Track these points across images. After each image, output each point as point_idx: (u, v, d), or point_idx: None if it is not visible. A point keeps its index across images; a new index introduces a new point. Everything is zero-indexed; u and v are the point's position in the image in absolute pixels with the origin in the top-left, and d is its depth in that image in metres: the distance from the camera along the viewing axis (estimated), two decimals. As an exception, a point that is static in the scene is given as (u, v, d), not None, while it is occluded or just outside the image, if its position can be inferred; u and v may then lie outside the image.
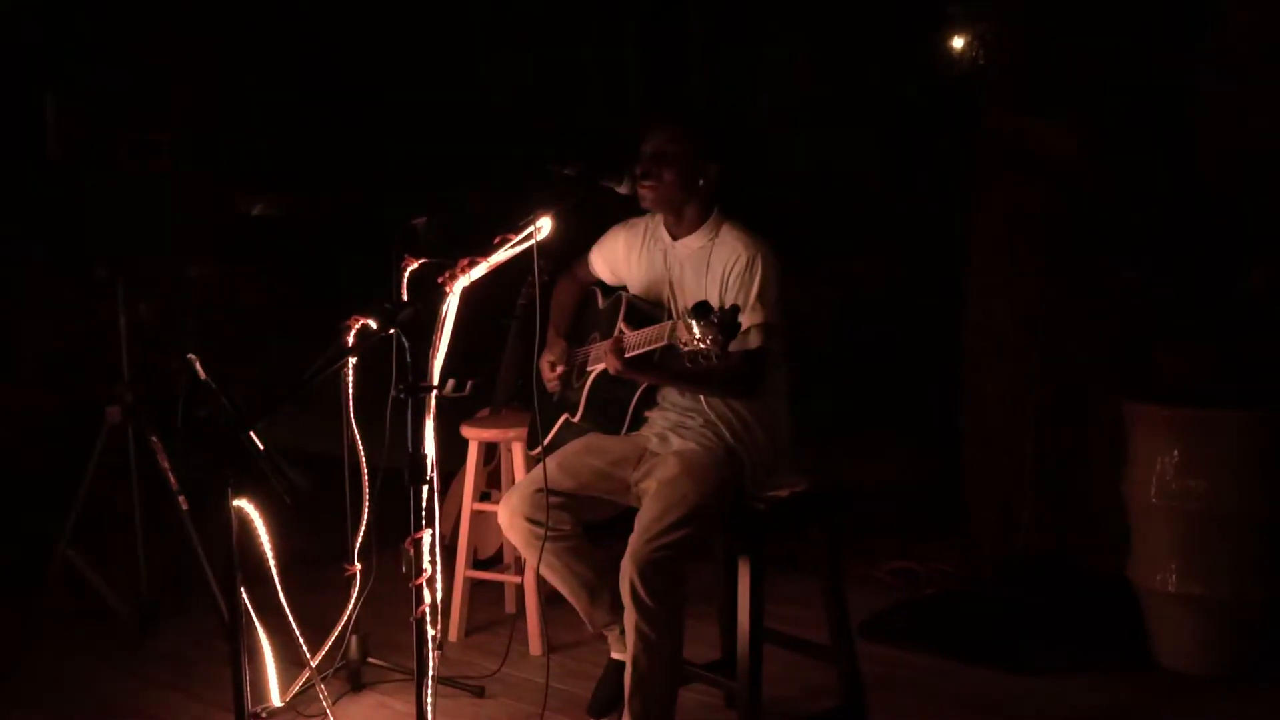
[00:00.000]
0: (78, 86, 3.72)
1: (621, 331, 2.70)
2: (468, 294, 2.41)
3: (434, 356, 2.35)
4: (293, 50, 6.62)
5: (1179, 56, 3.53)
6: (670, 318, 2.76)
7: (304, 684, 3.11)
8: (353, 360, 2.81)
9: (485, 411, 3.73)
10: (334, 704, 3.01)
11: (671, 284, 2.82)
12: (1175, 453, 3.19)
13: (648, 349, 2.59)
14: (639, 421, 2.86)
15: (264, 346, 4.99)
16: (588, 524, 2.82)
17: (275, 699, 3.05)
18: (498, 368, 3.74)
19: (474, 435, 3.55)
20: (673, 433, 2.80)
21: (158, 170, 3.51)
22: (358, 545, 3.06)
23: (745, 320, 2.54)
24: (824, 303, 6.72)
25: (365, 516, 3.05)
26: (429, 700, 2.28)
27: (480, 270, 2.42)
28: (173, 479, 3.33)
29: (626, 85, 7.57)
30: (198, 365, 2.77)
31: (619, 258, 2.95)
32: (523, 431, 3.38)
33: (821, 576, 2.79)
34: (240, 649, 2.33)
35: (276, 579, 2.81)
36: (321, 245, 6.20)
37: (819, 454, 3.22)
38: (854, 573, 3.93)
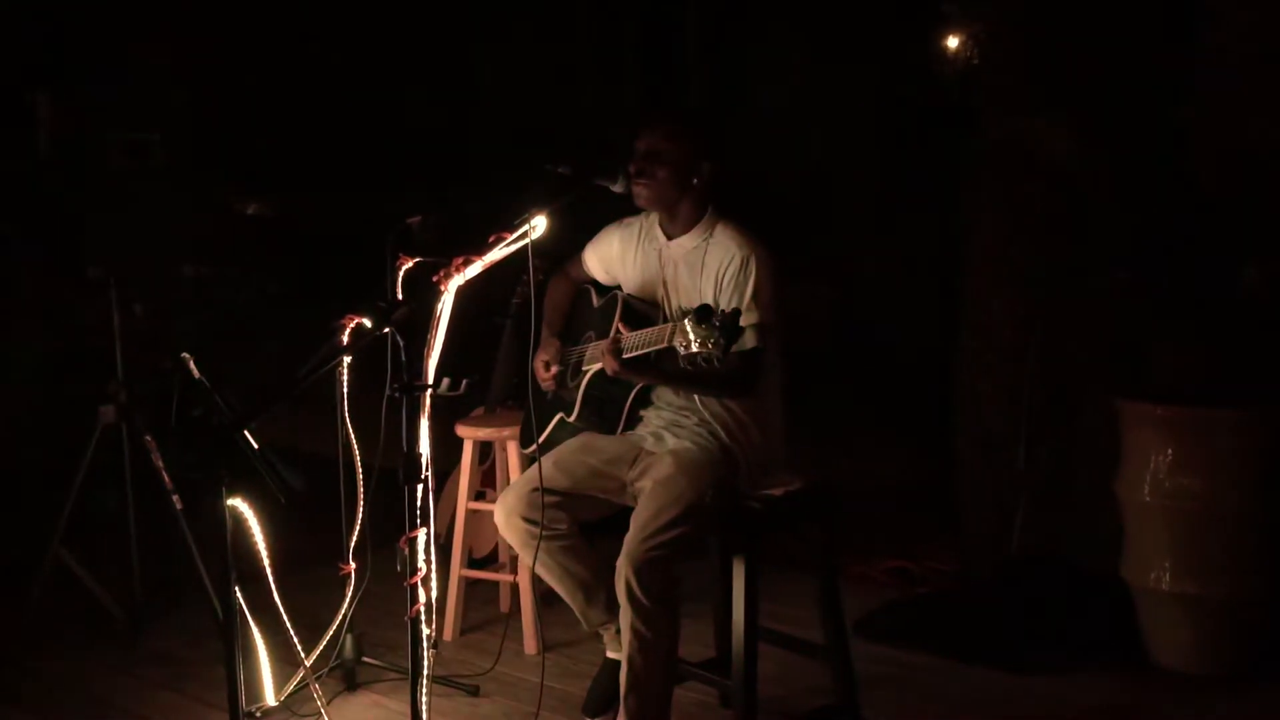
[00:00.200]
0: (71, 87, 3.71)
1: (619, 332, 2.70)
2: (462, 293, 2.41)
3: (429, 355, 2.35)
4: (287, 50, 6.61)
5: (1176, 56, 3.53)
6: (665, 317, 2.76)
7: (299, 683, 3.11)
8: (347, 359, 2.81)
9: (480, 410, 3.73)
10: (329, 703, 3.00)
11: (666, 283, 2.81)
12: (1169, 451, 3.19)
13: (646, 350, 2.59)
14: (634, 421, 2.86)
15: (258, 346, 4.98)
16: (583, 523, 2.82)
17: (270, 698, 3.04)
18: (493, 367, 3.74)
19: (469, 434, 3.55)
20: (668, 432, 2.80)
21: (151, 170, 3.51)
22: (352, 544, 3.06)
23: (741, 320, 2.54)
24: (820, 302, 6.73)
25: (360, 515, 3.05)
26: (424, 699, 2.28)
27: (475, 269, 2.41)
28: (166, 478, 3.32)
29: (623, 84, 7.57)
30: (191, 365, 2.77)
31: (613, 257, 2.94)
32: (518, 430, 3.38)
33: (816, 575, 2.79)
34: (235, 648, 2.33)
35: (271, 578, 2.80)
36: (316, 245, 6.19)
37: (815, 453, 3.23)
38: (849, 572, 3.94)
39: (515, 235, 2.48)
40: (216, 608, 3.13)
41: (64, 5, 5.22)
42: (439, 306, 2.36)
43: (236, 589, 2.37)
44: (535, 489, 2.70)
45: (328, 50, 6.76)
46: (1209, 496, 3.15)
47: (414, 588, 2.26)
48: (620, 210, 2.91)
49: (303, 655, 2.96)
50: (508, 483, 3.50)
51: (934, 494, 4.32)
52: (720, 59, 7.50)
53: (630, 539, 2.57)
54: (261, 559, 2.76)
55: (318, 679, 2.99)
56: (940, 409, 4.12)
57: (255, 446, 2.35)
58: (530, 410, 2.90)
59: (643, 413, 2.87)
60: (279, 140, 6.20)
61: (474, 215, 2.73)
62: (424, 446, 2.29)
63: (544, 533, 2.71)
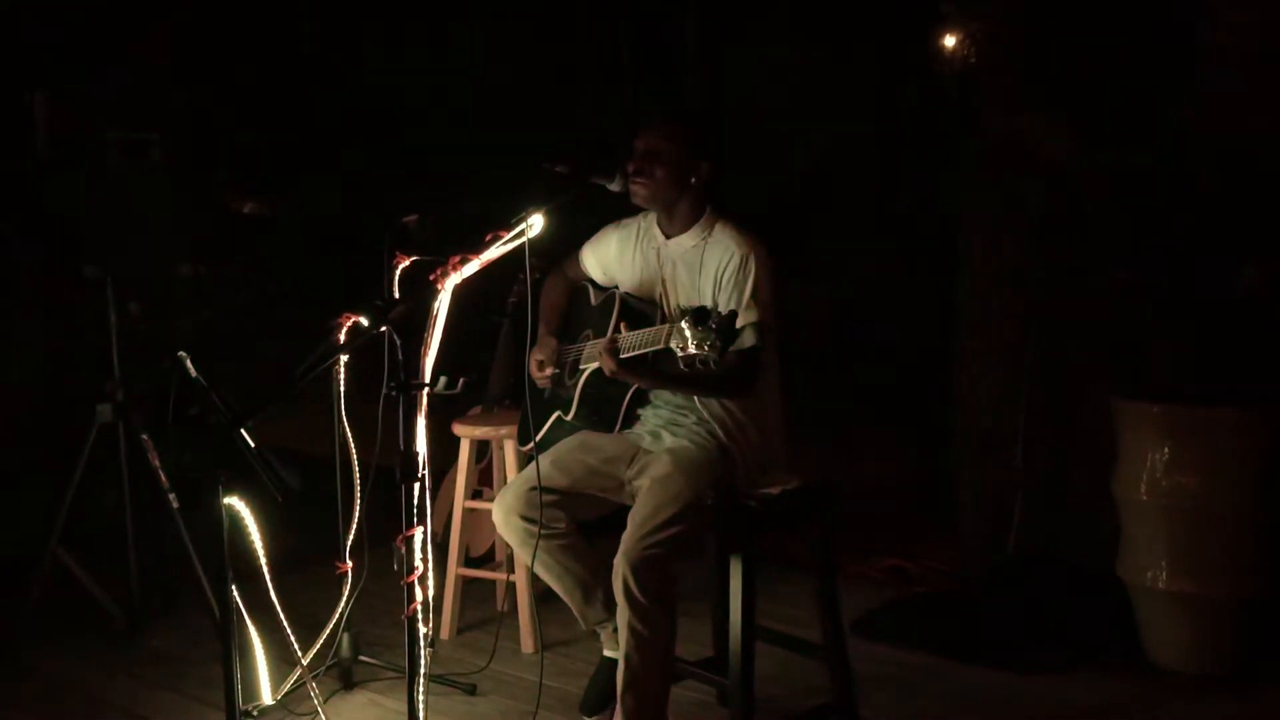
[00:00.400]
0: (69, 86, 3.71)
1: (617, 331, 2.69)
2: (459, 291, 2.41)
3: (426, 354, 2.34)
4: (286, 50, 6.61)
5: (1175, 56, 3.53)
6: (663, 316, 2.76)
7: (295, 682, 3.11)
8: (344, 358, 2.81)
9: (477, 409, 3.73)
10: (325, 702, 3.00)
11: (664, 282, 2.81)
12: (1166, 450, 3.19)
13: (643, 351, 2.59)
14: (632, 419, 2.86)
15: (255, 345, 4.98)
16: (581, 522, 2.82)
17: (267, 697, 3.04)
18: (490, 365, 3.73)
19: (466, 433, 3.54)
20: (666, 430, 2.80)
21: (149, 169, 3.50)
22: (349, 543, 3.06)
23: (739, 319, 2.54)
24: (818, 301, 6.74)
25: (356, 514, 3.05)
26: (420, 698, 2.28)
27: (472, 268, 2.41)
28: (164, 477, 3.32)
29: (621, 84, 7.57)
30: (188, 363, 2.76)
31: (611, 257, 2.94)
32: (515, 429, 3.38)
33: (814, 574, 2.79)
34: (232, 647, 2.33)
35: (268, 577, 2.80)
36: (312, 244, 6.19)
37: (813, 453, 3.23)
38: (847, 571, 3.95)
39: (512, 234, 2.48)
40: (214, 606, 3.13)
41: (63, 4, 5.23)
42: (436, 305, 2.36)
43: (233, 588, 2.37)
44: (533, 488, 2.70)
45: (325, 50, 6.76)
46: (1206, 496, 3.15)
47: (411, 586, 2.26)
48: (619, 209, 2.91)
49: (299, 654, 2.97)
50: (504, 482, 3.50)
51: (932, 493, 4.33)
52: (719, 59, 7.51)
53: (627, 537, 2.57)
54: (258, 558, 2.77)
55: (315, 677, 2.99)
56: (938, 408, 4.12)
57: (252, 445, 2.35)
58: (527, 409, 2.90)
59: (640, 411, 2.87)
60: (277, 140, 6.20)
61: (471, 214, 2.73)
62: (421, 445, 2.29)
63: (542, 531, 2.71)
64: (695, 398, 2.76)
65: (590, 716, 2.96)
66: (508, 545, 3.08)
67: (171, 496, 3.27)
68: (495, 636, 3.33)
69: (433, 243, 2.65)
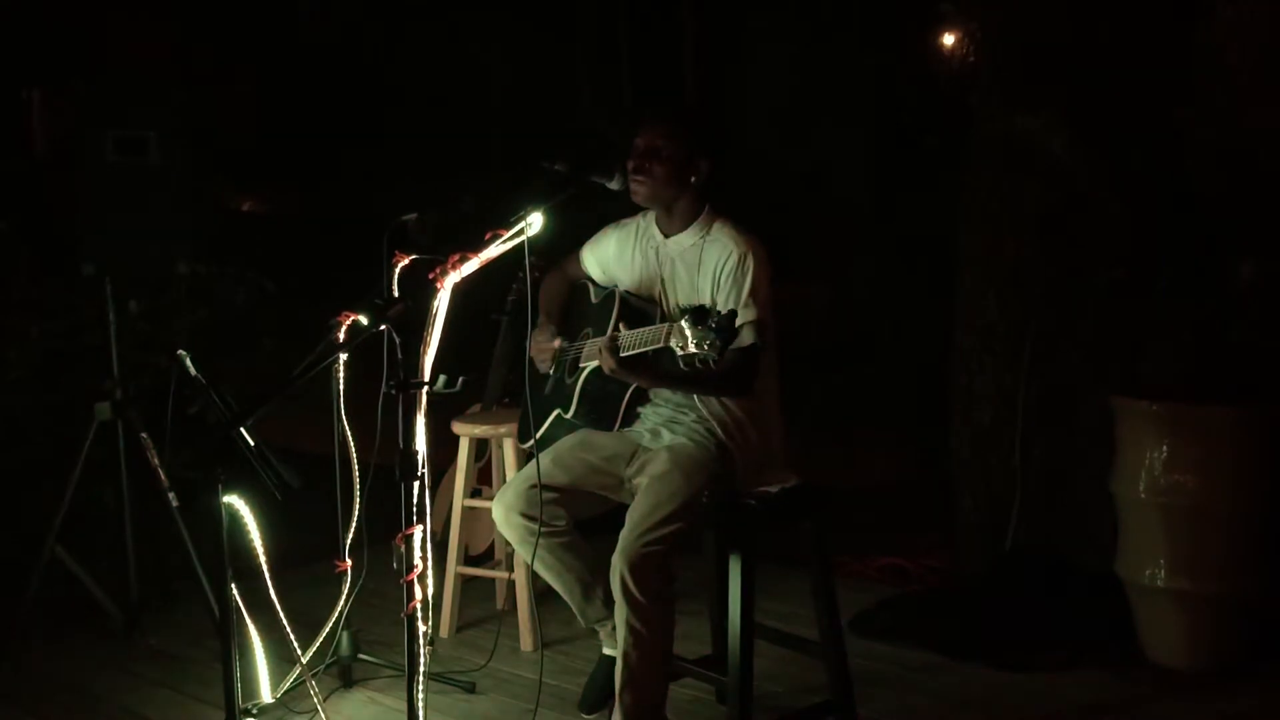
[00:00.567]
0: (66, 83, 3.70)
1: (617, 330, 2.70)
2: (458, 290, 2.41)
3: (425, 352, 2.35)
4: (285, 48, 6.60)
5: (1174, 55, 3.53)
6: (663, 314, 2.76)
7: (295, 680, 3.11)
8: (343, 356, 2.81)
9: (476, 408, 3.73)
10: (325, 700, 3.00)
11: (663, 281, 2.82)
12: (1163, 448, 3.20)
13: (643, 349, 2.59)
14: (632, 417, 2.86)
15: (254, 343, 4.97)
16: (580, 520, 2.82)
17: (266, 695, 3.04)
18: (489, 364, 3.73)
19: (465, 431, 3.54)
20: (665, 428, 2.81)
21: (147, 167, 3.49)
22: (348, 541, 3.06)
23: (738, 318, 2.54)
24: (816, 301, 6.75)
25: (356, 512, 3.05)
26: (420, 696, 2.28)
27: (471, 266, 2.41)
28: (162, 475, 3.32)
29: (620, 83, 7.58)
30: (188, 362, 2.76)
31: (610, 256, 2.95)
32: (514, 428, 3.38)
33: (811, 572, 2.80)
34: (231, 645, 2.33)
35: (267, 575, 2.81)
36: (311, 242, 6.19)
37: (812, 451, 3.23)
38: (844, 569, 3.95)
39: (511, 232, 2.48)
40: (213, 605, 3.13)
41: (63, 3, 5.22)
42: (435, 304, 2.36)
43: (233, 586, 2.37)
44: (533, 486, 2.70)
45: (324, 48, 6.76)
46: (1205, 494, 3.15)
47: (410, 585, 2.26)
48: (619, 208, 2.91)
49: (299, 652, 2.97)
50: (504, 480, 3.50)
51: (930, 491, 4.33)
52: (717, 58, 7.51)
53: (625, 535, 2.57)
54: (258, 556, 2.77)
55: (314, 676, 2.99)
56: (936, 407, 4.13)
57: (251, 443, 2.35)
58: (527, 407, 2.90)
59: (640, 409, 2.87)
60: (274, 137, 6.20)
61: (470, 212, 2.73)
62: (420, 443, 2.29)
63: (542, 529, 2.71)
64: (695, 396, 2.77)
65: (589, 714, 2.97)
66: (507, 543, 3.09)
67: (171, 495, 3.27)
68: (496, 635, 3.33)
69: (432, 241, 2.65)
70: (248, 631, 2.96)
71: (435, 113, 7.04)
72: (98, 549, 3.66)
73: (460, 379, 3.56)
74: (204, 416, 3.38)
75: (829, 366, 5.99)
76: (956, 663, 3.31)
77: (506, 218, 2.48)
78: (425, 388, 2.30)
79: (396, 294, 2.50)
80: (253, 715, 2.98)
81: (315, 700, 2.90)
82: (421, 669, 2.28)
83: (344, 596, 3.11)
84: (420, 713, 2.28)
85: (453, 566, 3.56)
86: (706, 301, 2.66)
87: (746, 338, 2.60)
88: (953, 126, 4.18)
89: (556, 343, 2.92)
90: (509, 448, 3.48)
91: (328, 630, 3.19)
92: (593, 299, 2.97)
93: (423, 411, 2.31)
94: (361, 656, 3.25)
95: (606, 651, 2.92)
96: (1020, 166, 3.72)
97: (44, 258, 4.63)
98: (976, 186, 3.88)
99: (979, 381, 3.85)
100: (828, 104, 7.05)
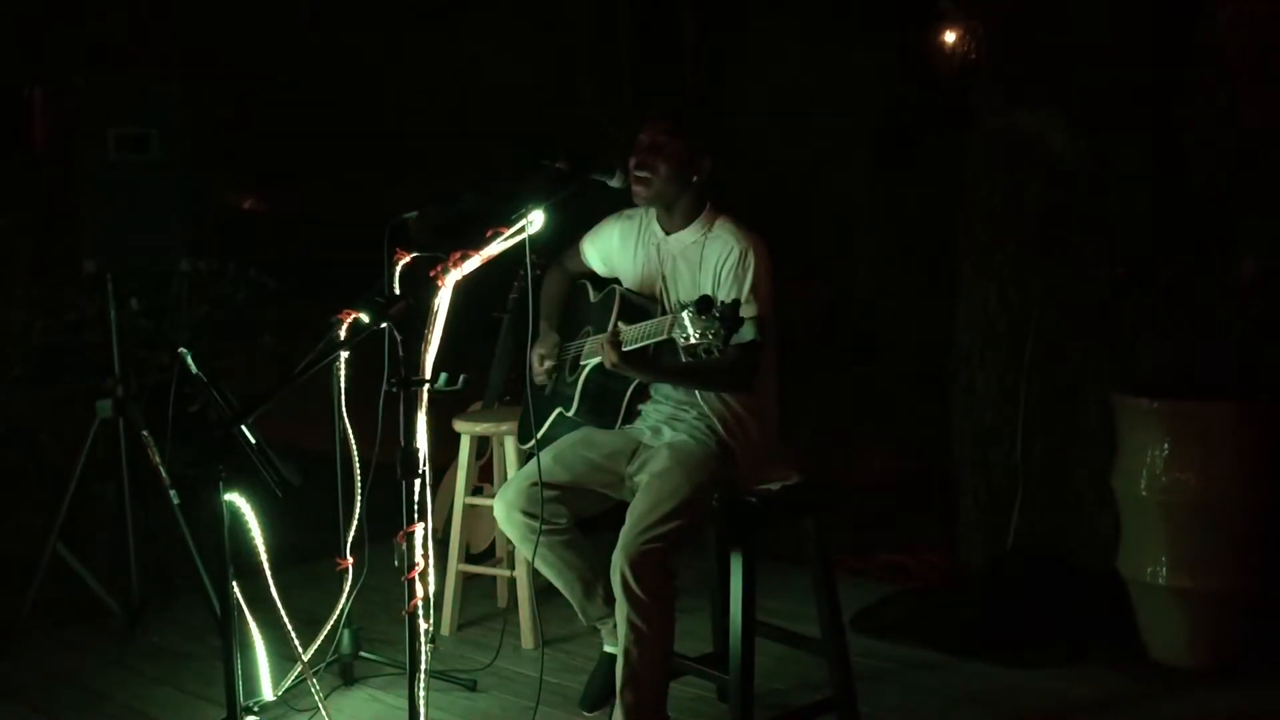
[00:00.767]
0: (67, 81, 3.70)
1: (618, 325, 2.70)
2: (460, 287, 2.41)
3: (426, 350, 2.35)
4: (285, 46, 6.60)
5: (1174, 53, 3.53)
6: (663, 311, 2.76)
7: (296, 678, 3.11)
8: (344, 354, 2.81)
9: (478, 405, 3.73)
10: (326, 698, 3.00)
11: (664, 278, 2.81)
12: (1165, 445, 3.20)
13: (646, 343, 2.59)
14: (633, 415, 2.86)
15: (255, 341, 4.98)
16: (581, 518, 2.82)
17: (267, 693, 3.04)
18: (490, 362, 3.73)
19: (466, 429, 3.55)
20: (666, 426, 2.81)
21: (148, 164, 3.49)
22: (350, 539, 3.06)
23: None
24: (818, 297, 6.75)
25: (357, 510, 3.05)
26: (421, 694, 2.28)
27: (472, 264, 2.41)
28: (164, 473, 3.32)
29: (620, 83, 7.57)
30: (189, 359, 2.76)
31: (613, 249, 2.94)
32: (515, 425, 3.38)
33: (812, 569, 2.80)
34: (232, 643, 2.33)
35: (268, 573, 2.81)
36: (312, 239, 6.19)
37: (813, 448, 3.24)
38: (846, 566, 3.95)
39: (513, 230, 2.48)
40: (214, 602, 3.13)
41: (61, 1, 5.22)
42: (436, 301, 2.36)
43: (234, 584, 2.37)
44: (534, 484, 2.70)
45: (326, 46, 6.76)
46: (1206, 491, 3.15)
47: (411, 582, 2.26)
48: (617, 206, 2.91)
49: (300, 650, 2.97)
50: (505, 478, 3.50)
51: (931, 489, 4.33)
52: (716, 56, 7.51)
53: (626, 532, 2.57)
54: (259, 554, 2.77)
55: (315, 674, 3.00)
56: (937, 404, 4.13)
57: (252, 441, 2.35)
58: (528, 405, 2.90)
59: (641, 407, 2.87)
60: (276, 135, 6.20)
61: (471, 210, 2.73)
62: (421, 441, 2.29)
63: (543, 527, 2.71)
64: (696, 393, 2.77)
65: (591, 712, 2.97)
66: (508, 541, 3.09)
67: (172, 492, 3.28)
68: (500, 634, 3.33)
69: (433, 239, 2.65)
70: (249, 629, 2.96)
71: (435, 112, 7.05)
72: (99, 546, 3.67)
73: (461, 377, 3.56)
74: (205, 414, 3.38)
75: (829, 365, 5.99)
76: (958, 660, 3.31)
77: (508, 215, 2.48)
78: (426, 385, 2.30)
79: (398, 292, 2.51)
80: (254, 713, 2.98)
81: (316, 698, 2.90)
82: (423, 667, 2.29)
83: (345, 594, 3.11)
84: (421, 710, 2.29)
85: (454, 564, 3.56)
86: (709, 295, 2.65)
87: (748, 334, 2.60)
88: (953, 125, 4.17)
89: (549, 365, 2.92)
90: (510, 446, 3.48)
91: (329, 628, 3.19)
92: (592, 298, 2.97)
93: (424, 409, 2.31)
94: (363, 654, 3.25)
95: (607, 649, 2.92)
96: (1021, 165, 3.72)
97: (45, 255, 4.64)
98: (977, 185, 3.87)
99: (980, 379, 3.85)
100: (828, 102, 7.04)
